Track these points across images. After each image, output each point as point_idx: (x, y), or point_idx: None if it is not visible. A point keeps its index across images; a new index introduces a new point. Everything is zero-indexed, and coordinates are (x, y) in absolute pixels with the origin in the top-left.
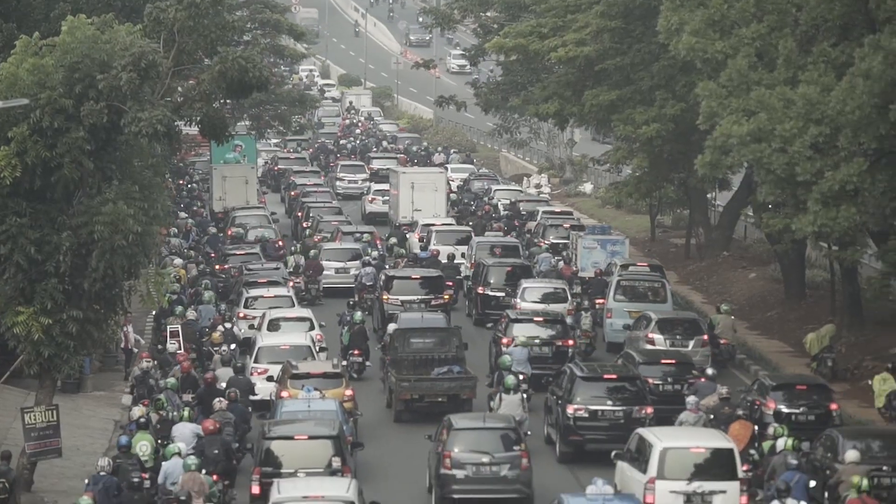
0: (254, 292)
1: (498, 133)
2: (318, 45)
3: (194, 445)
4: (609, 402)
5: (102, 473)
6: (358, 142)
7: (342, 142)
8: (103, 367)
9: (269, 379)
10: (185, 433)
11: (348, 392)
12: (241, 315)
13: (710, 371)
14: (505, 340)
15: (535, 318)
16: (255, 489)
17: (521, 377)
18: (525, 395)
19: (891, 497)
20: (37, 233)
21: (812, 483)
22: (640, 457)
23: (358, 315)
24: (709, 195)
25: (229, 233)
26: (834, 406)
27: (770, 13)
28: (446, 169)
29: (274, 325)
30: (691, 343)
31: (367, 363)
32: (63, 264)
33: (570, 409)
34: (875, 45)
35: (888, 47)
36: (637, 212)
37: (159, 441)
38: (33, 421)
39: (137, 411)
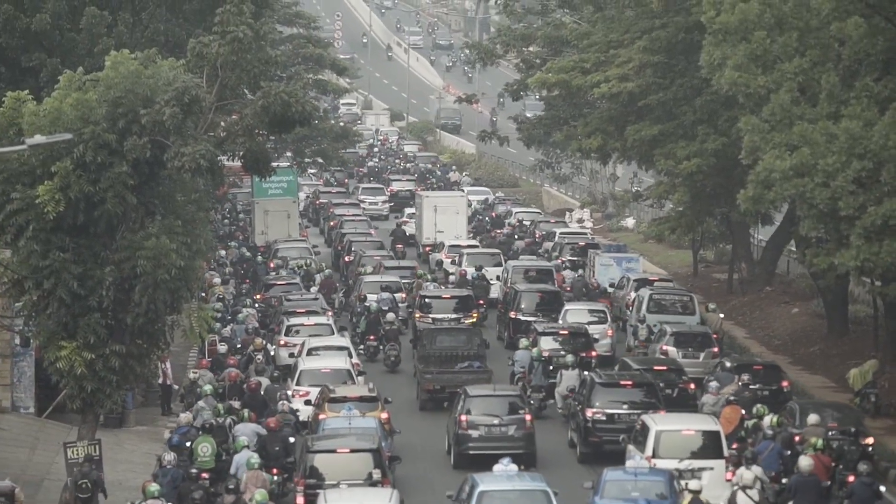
0: (294, 321)
1: (540, 168)
2: (361, 79)
3: (255, 442)
4: (625, 406)
5: (169, 466)
6: (378, 161)
7: (369, 163)
8: (146, 401)
9: (308, 403)
10: (246, 432)
11: (384, 415)
12: (283, 343)
13: (728, 363)
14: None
15: (561, 332)
16: (300, 500)
17: (520, 374)
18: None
19: (842, 455)
20: (80, 267)
21: (787, 452)
22: (641, 439)
23: (374, 305)
24: (751, 230)
25: (271, 265)
26: (785, 383)
27: (812, 48)
28: (462, 189)
29: (314, 352)
30: (702, 355)
31: (381, 347)
32: (106, 299)
33: (589, 413)
34: None
35: None
36: (680, 247)
37: (219, 444)
38: (76, 456)
39: (184, 418)
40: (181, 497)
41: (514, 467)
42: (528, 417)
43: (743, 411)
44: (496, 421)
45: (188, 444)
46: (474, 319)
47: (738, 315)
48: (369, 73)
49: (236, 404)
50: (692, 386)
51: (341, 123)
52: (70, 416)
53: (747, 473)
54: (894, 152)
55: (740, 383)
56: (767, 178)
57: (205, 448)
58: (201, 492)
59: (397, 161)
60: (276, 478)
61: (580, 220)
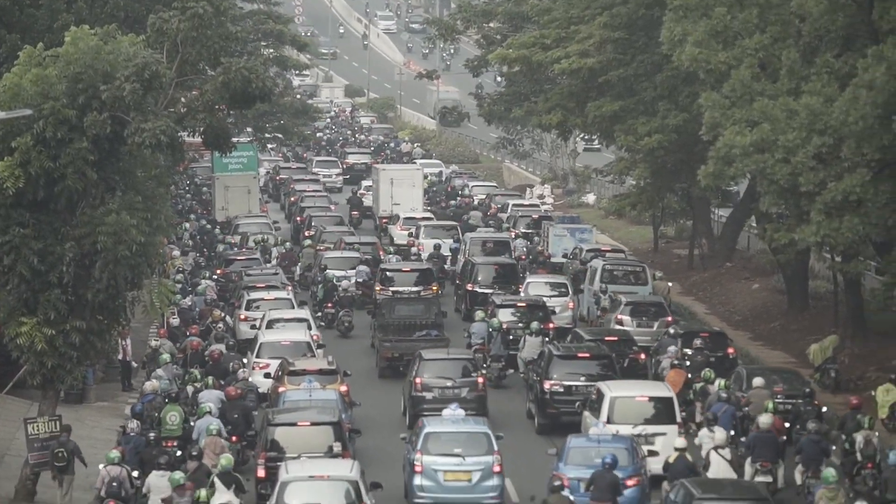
0: (254, 295)
1: (501, 145)
2: (324, 57)
3: (218, 409)
4: (582, 378)
5: (132, 434)
6: (331, 132)
7: (318, 134)
8: (106, 377)
9: (267, 376)
10: (212, 399)
11: (343, 388)
12: (243, 317)
13: (671, 330)
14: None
15: (518, 304)
16: (261, 472)
17: (477, 346)
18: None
19: (798, 416)
20: (40, 243)
21: (739, 413)
22: (597, 405)
23: (330, 273)
24: (711, 206)
25: (232, 241)
26: (731, 350)
27: (773, 24)
28: (414, 160)
29: (274, 325)
30: (656, 324)
31: (340, 316)
32: (66, 275)
33: (546, 385)
34: (878, 56)
35: (891, 58)
36: (640, 222)
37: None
38: (36, 431)
39: (150, 385)
40: (144, 463)
41: (461, 412)
42: (480, 380)
43: (689, 375)
44: (449, 383)
45: (156, 413)
46: (433, 292)
47: (699, 291)
48: (330, 48)
49: (197, 373)
50: (643, 356)
51: (297, 96)
52: (31, 392)
53: (720, 433)
54: (854, 128)
55: (694, 348)
56: (728, 153)
57: (173, 416)
58: (166, 457)
59: (349, 133)
60: (235, 445)
61: (541, 196)
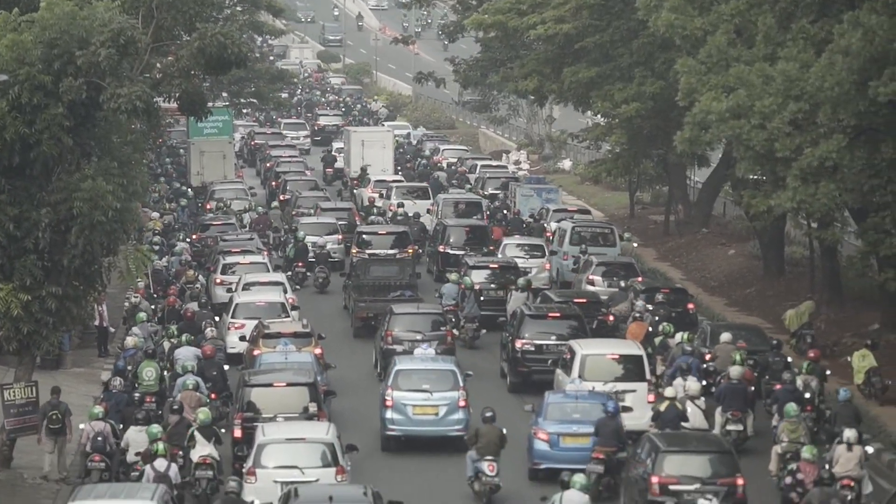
0: (230, 259)
1: (473, 107)
2: (300, 22)
3: (194, 366)
4: (553, 338)
5: (115, 391)
6: (301, 94)
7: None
8: (82, 343)
9: (242, 339)
10: (187, 355)
11: (317, 351)
12: (218, 281)
13: (622, 283)
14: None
15: (491, 265)
16: (238, 433)
17: (449, 307)
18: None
19: (766, 367)
20: (15, 209)
21: (704, 365)
22: (569, 363)
23: (301, 233)
24: (687, 172)
25: (207, 206)
26: (691, 305)
27: None
28: (381, 119)
29: (249, 287)
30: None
31: (308, 274)
32: (42, 240)
33: (518, 344)
34: (854, 22)
35: (867, 24)
36: (616, 188)
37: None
38: (12, 397)
39: (131, 341)
40: (124, 420)
41: (431, 351)
42: (448, 334)
43: (650, 328)
44: (419, 336)
45: (132, 368)
46: (409, 254)
47: (675, 257)
48: (305, 14)
49: (174, 328)
50: (611, 318)
51: (270, 58)
52: (6, 358)
53: (693, 384)
54: (830, 94)
55: (655, 303)
56: (704, 119)
57: (149, 372)
58: (144, 412)
59: (318, 93)
60: (213, 401)
61: (517, 162)
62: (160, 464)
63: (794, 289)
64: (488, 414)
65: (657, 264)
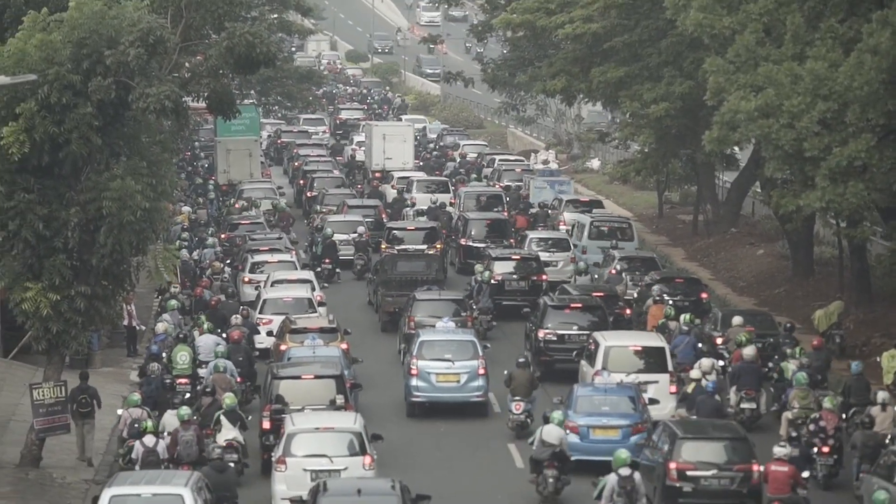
0: (258, 258)
1: (505, 110)
2: (326, 20)
3: (225, 351)
4: (575, 327)
5: (153, 375)
6: (325, 89)
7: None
8: (111, 343)
9: (270, 334)
10: (208, 343)
11: (343, 346)
12: (246, 280)
13: (618, 266)
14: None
15: (514, 256)
16: (266, 424)
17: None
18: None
19: (777, 348)
20: (45, 209)
21: (700, 345)
22: (592, 354)
23: (328, 231)
24: (716, 171)
25: (236, 205)
26: (704, 294)
27: None
28: (403, 114)
29: (277, 283)
30: (647, 278)
31: (338, 270)
32: (71, 240)
33: (541, 334)
34: (883, 21)
35: None
36: (645, 188)
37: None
38: (42, 397)
39: (161, 326)
40: (157, 404)
41: (451, 325)
42: (469, 319)
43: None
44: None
45: (166, 352)
46: (438, 250)
47: (703, 256)
48: (333, 13)
49: (203, 317)
50: (628, 311)
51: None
52: (36, 358)
53: (705, 361)
54: (859, 93)
55: (645, 284)
56: (732, 119)
57: (182, 356)
58: (180, 396)
59: (341, 85)
60: (241, 385)
61: (545, 162)
62: (149, 440)
63: (823, 289)
64: (521, 360)
65: (686, 264)
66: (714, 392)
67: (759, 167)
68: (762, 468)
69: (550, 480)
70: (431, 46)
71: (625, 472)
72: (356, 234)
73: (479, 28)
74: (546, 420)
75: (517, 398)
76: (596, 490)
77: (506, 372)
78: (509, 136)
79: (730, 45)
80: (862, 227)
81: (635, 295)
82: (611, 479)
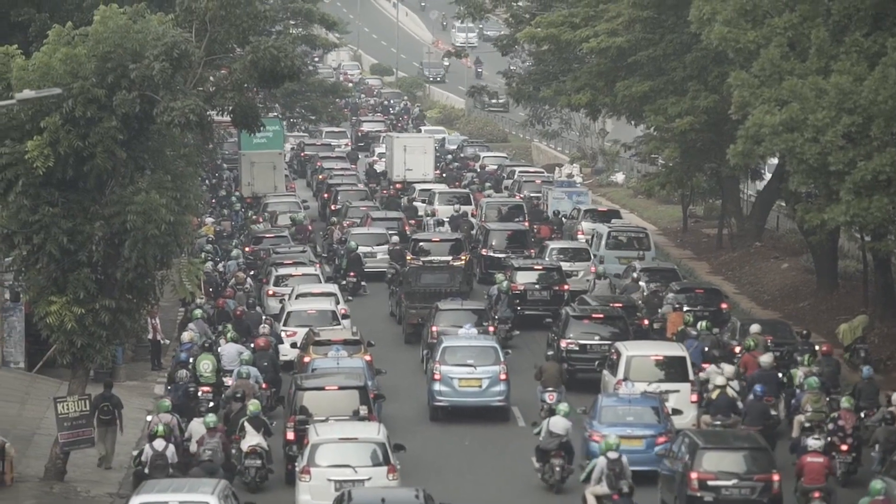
0: (283, 271)
1: (529, 124)
2: (351, 34)
3: (247, 359)
4: (597, 337)
5: (181, 382)
6: (348, 99)
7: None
8: (136, 356)
9: (294, 346)
10: (231, 352)
11: (367, 357)
12: (271, 293)
13: (634, 274)
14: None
15: (535, 267)
16: (290, 435)
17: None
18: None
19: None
20: (69, 223)
21: (707, 349)
22: (614, 363)
23: (353, 244)
24: (741, 185)
25: (260, 220)
26: (724, 305)
27: (802, 2)
28: (421, 124)
29: (302, 296)
30: (668, 290)
31: (363, 283)
32: (96, 254)
33: (563, 343)
34: None
35: None
36: (669, 202)
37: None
38: (66, 411)
39: (187, 335)
40: (183, 411)
41: (473, 331)
42: (490, 329)
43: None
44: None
45: (192, 360)
46: (463, 262)
47: (728, 270)
48: (357, 27)
49: (229, 326)
50: (646, 322)
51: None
52: (60, 371)
53: (728, 367)
54: (884, 107)
55: (651, 291)
56: (757, 133)
57: (206, 364)
58: (204, 404)
59: (362, 96)
60: (265, 391)
61: (570, 175)
62: (159, 444)
63: (848, 303)
64: (550, 353)
65: (710, 278)
66: (762, 396)
67: (783, 181)
68: (798, 462)
69: (557, 469)
70: (448, 61)
71: (613, 455)
72: (392, 244)
73: (504, 42)
74: (553, 412)
75: (549, 389)
76: (584, 472)
77: (536, 365)
78: (534, 150)
79: (754, 60)
80: (886, 240)
81: (641, 303)
82: (600, 462)
